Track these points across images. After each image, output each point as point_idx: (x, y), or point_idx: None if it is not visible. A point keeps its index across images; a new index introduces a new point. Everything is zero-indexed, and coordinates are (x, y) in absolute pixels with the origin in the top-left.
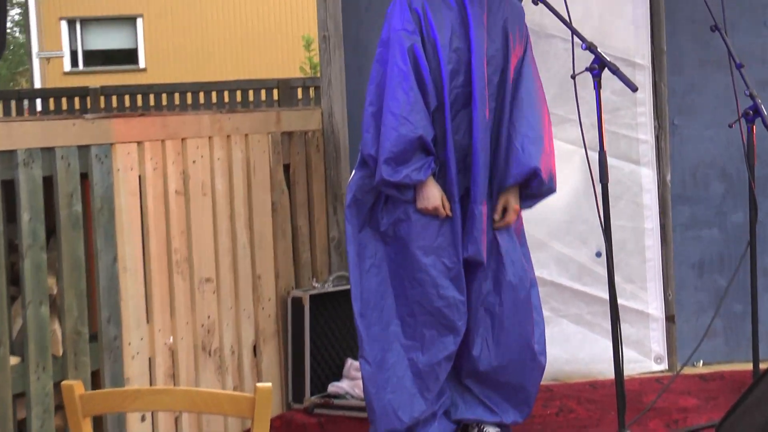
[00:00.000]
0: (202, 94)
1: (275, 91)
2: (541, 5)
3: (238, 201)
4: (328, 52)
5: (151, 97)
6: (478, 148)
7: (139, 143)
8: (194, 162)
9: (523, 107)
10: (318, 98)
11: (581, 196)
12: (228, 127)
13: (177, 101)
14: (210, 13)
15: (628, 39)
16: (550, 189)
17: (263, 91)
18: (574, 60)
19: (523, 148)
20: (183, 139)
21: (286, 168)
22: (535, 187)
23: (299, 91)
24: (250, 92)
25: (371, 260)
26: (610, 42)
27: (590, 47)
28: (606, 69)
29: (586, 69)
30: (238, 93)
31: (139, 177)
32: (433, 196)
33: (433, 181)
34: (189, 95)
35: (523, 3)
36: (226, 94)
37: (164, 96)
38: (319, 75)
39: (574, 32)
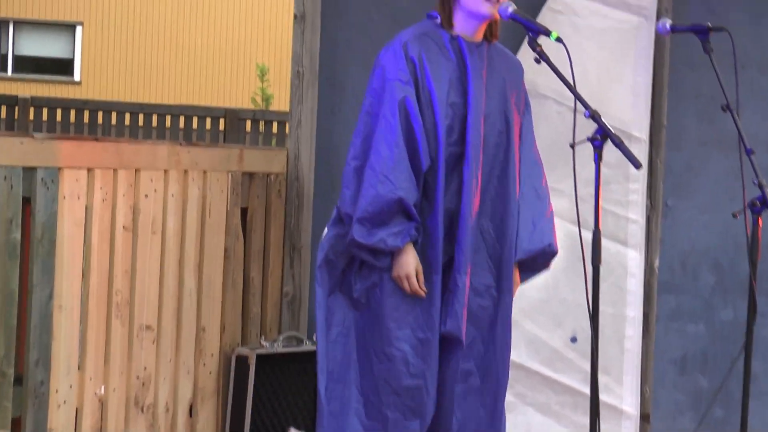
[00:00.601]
0: (141, 116)
1: (221, 121)
2: (541, 63)
3: (189, 243)
4: (301, 89)
5: (86, 113)
6: (465, 212)
7: (89, 170)
8: (146, 196)
9: (533, 177)
10: (268, 133)
11: (560, 274)
12: (186, 160)
13: (113, 121)
14: (157, 29)
15: (626, 108)
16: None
17: (208, 120)
18: (575, 128)
19: (535, 222)
20: (137, 170)
21: (244, 212)
22: (542, 263)
23: (248, 123)
24: (194, 119)
25: (338, 328)
26: (607, 110)
27: (594, 115)
28: (609, 141)
29: (588, 139)
30: (181, 119)
31: (86, 207)
32: (406, 263)
33: (412, 248)
34: (127, 116)
35: (518, 57)
36: (168, 118)
37: (100, 114)
38: (271, 108)
39: (578, 97)
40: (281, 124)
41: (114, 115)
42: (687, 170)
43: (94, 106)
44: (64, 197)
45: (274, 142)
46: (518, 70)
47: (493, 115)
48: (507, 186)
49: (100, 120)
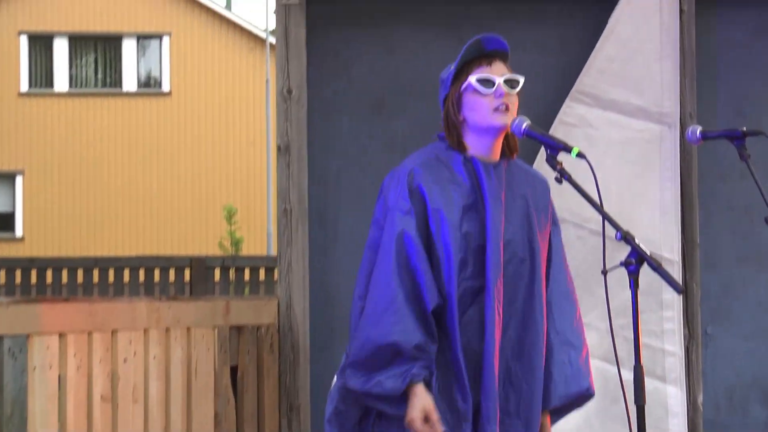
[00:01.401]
0: (96, 272)
1: (187, 271)
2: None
3: (174, 410)
4: (289, 229)
5: (33, 272)
6: (489, 353)
7: (61, 335)
8: (125, 360)
9: (565, 309)
10: (240, 282)
11: (593, 417)
12: (167, 317)
13: (64, 279)
14: (107, 174)
15: (654, 227)
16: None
17: (172, 271)
18: (605, 252)
19: (572, 363)
20: (113, 332)
21: (234, 370)
22: (578, 405)
23: (216, 272)
24: (156, 271)
25: None
26: (632, 230)
27: (626, 237)
28: (645, 264)
29: (621, 264)
30: (141, 271)
31: (59, 377)
32: (411, 406)
33: (420, 390)
34: (80, 272)
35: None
36: (126, 272)
37: (49, 272)
38: (241, 253)
39: (607, 218)
40: (254, 271)
41: (65, 272)
42: (725, 293)
43: (42, 264)
44: (35, 368)
45: (247, 291)
46: (543, 188)
47: (515, 242)
48: (534, 321)
49: (49, 279)
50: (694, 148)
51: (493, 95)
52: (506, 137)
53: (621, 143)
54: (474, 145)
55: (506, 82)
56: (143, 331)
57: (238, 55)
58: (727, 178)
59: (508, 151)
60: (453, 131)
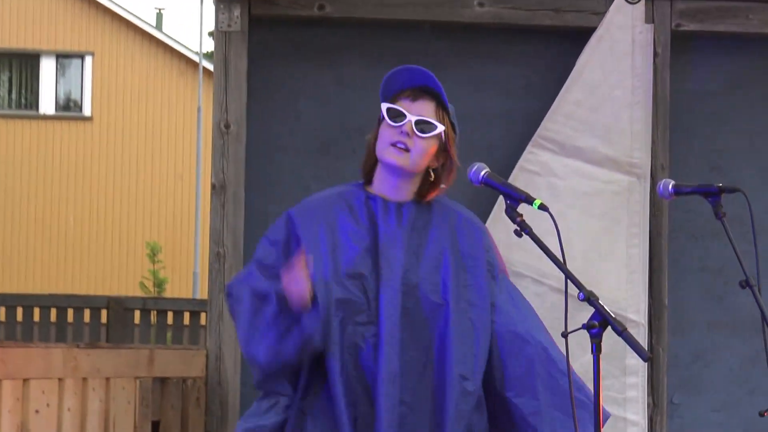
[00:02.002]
0: (2, 310)
1: (103, 312)
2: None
3: None
4: (222, 274)
5: None
6: (382, 409)
7: None
8: (37, 412)
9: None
10: (162, 328)
11: None
12: (85, 366)
13: None
14: (18, 205)
15: (619, 287)
16: None
17: (87, 312)
18: (567, 313)
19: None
20: (25, 380)
21: (155, 426)
22: None
23: (136, 314)
24: (70, 312)
25: None
26: (596, 288)
27: (590, 297)
28: (609, 327)
29: (583, 327)
30: (53, 312)
31: None
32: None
33: None
34: None
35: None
36: (36, 311)
37: None
38: (165, 294)
39: (569, 276)
40: (178, 315)
41: None
42: (695, 360)
43: None
44: None
45: (169, 336)
46: (477, 235)
47: (423, 287)
48: (443, 371)
49: None
50: (665, 203)
51: (396, 130)
52: (425, 181)
53: (587, 195)
54: (379, 182)
55: (417, 123)
56: (58, 380)
57: (168, 79)
58: (699, 236)
59: (423, 194)
60: (367, 162)
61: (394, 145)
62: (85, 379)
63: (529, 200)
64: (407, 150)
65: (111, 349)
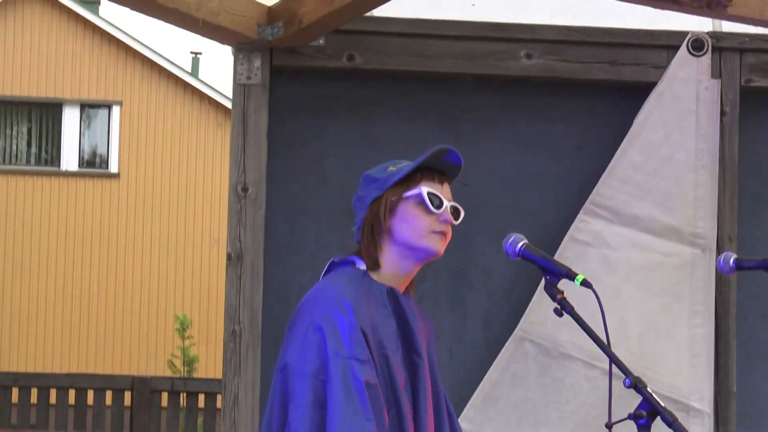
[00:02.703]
0: (15, 391)
1: (127, 395)
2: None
3: None
4: (238, 355)
5: None
6: None
7: None
8: None
9: None
10: (192, 412)
11: None
12: None
13: None
14: (36, 267)
15: (681, 371)
16: None
17: (109, 393)
18: (611, 401)
19: None
20: None
21: None
22: None
23: (164, 396)
24: (90, 393)
25: None
26: (654, 373)
27: (636, 384)
28: (659, 417)
29: (629, 417)
30: (71, 393)
31: None
32: None
33: None
34: None
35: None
36: (53, 393)
37: None
38: (196, 374)
39: (614, 360)
40: (210, 397)
41: None
42: None
43: None
44: None
45: (200, 421)
46: (432, 327)
47: (432, 378)
48: None
49: None
50: (734, 279)
51: (437, 218)
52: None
53: (644, 268)
54: (391, 269)
55: (452, 209)
56: None
57: (204, 131)
58: None
59: (410, 287)
60: (372, 242)
61: (434, 232)
62: None
63: (571, 276)
64: (445, 238)
65: None
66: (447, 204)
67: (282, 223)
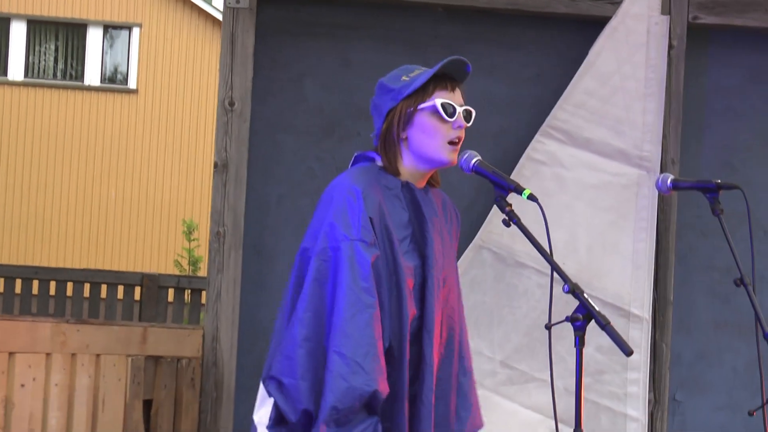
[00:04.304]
0: (36, 283)
1: (137, 290)
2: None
3: None
4: (221, 254)
5: None
6: (427, 397)
7: None
8: (23, 386)
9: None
10: (196, 306)
11: None
12: (74, 342)
13: (1, 288)
14: (59, 174)
15: (624, 281)
16: None
17: (121, 288)
18: (552, 305)
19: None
20: (11, 354)
21: (147, 405)
22: None
23: (170, 292)
24: (103, 287)
25: None
26: (600, 282)
27: (574, 290)
28: (593, 321)
29: (567, 319)
30: (86, 286)
31: None
32: None
33: None
34: (18, 282)
35: (491, 216)
36: (69, 286)
37: None
38: (200, 273)
39: (555, 268)
40: None
41: (2, 282)
42: (699, 358)
43: None
44: None
45: (202, 315)
46: (455, 220)
47: (446, 273)
48: (461, 357)
49: None
50: (675, 199)
51: (451, 125)
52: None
53: (594, 187)
54: (409, 170)
55: (465, 112)
56: (45, 355)
57: (215, 54)
58: (708, 233)
59: (434, 181)
60: (390, 149)
61: (451, 142)
62: (73, 355)
63: (519, 190)
64: (459, 142)
65: (101, 326)
66: (459, 110)
67: (264, 136)
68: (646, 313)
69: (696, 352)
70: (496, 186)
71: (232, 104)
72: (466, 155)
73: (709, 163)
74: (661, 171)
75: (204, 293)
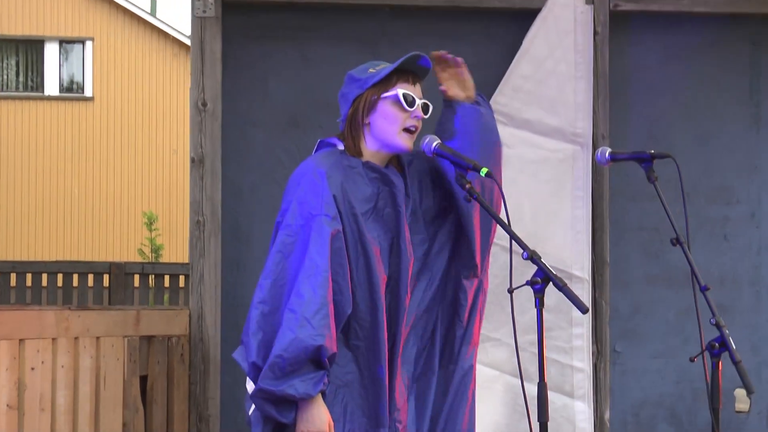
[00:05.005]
0: (13, 276)
1: (106, 277)
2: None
3: (82, 419)
4: (202, 241)
5: None
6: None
7: None
8: (33, 369)
9: None
10: (160, 290)
11: (503, 431)
12: (76, 327)
13: None
14: (26, 176)
15: (565, 245)
16: None
17: (91, 276)
18: (512, 270)
19: None
20: (21, 340)
21: (143, 380)
22: None
23: (136, 278)
24: (75, 276)
25: None
26: (544, 248)
27: (533, 257)
28: (551, 284)
29: (527, 283)
30: (59, 277)
31: None
32: (319, 419)
33: (322, 401)
34: None
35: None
36: (44, 277)
37: None
38: (161, 260)
39: (513, 237)
40: (174, 278)
41: None
42: (635, 311)
43: None
44: None
45: (166, 297)
46: (424, 164)
47: (415, 241)
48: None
49: None
50: (606, 169)
51: (410, 114)
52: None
53: (534, 162)
54: (371, 152)
55: (423, 105)
56: (51, 340)
57: (162, 61)
58: (637, 198)
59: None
60: (355, 132)
61: (406, 129)
62: (76, 339)
63: (477, 168)
64: (416, 131)
65: (100, 311)
66: (419, 102)
67: (235, 131)
68: (586, 273)
69: (632, 306)
70: (456, 166)
71: (204, 104)
72: (427, 140)
73: (635, 136)
74: (593, 145)
75: (167, 277)
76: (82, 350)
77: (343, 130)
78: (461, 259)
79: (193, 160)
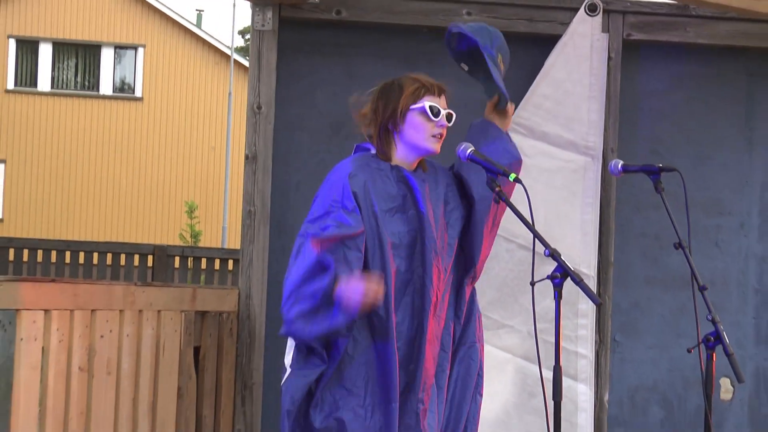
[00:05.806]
0: (68, 254)
1: (150, 258)
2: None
3: (143, 383)
4: (252, 228)
5: (11, 251)
6: (423, 340)
7: (46, 311)
8: (102, 337)
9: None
10: (197, 272)
11: (512, 411)
12: (141, 301)
13: (39, 258)
14: (81, 166)
15: (575, 246)
16: None
17: (136, 257)
18: (534, 266)
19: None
20: (93, 311)
21: (196, 350)
22: None
23: (176, 260)
24: (122, 256)
25: None
26: (556, 247)
27: (554, 254)
28: (569, 279)
29: (548, 277)
30: (109, 256)
31: (42, 349)
32: (356, 285)
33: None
34: (54, 253)
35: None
36: (95, 256)
37: (26, 252)
38: (200, 245)
39: (537, 236)
40: (210, 261)
41: (40, 252)
42: (633, 307)
43: (19, 244)
44: (21, 339)
45: (202, 278)
46: (445, 176)
47: (440, 233)
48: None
49: (25, 258)
50: (614, 180)
51: (435, 123)
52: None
53: (550, 171)
54: (400, 158)
55: (447, 115)
56: (119, 311)
57: (204, 68)
58: (641, 208)
59: (422, 166)
60: (384, 139)
61: (434, 136)
62: (140, 311)
63: (506, 174)
64: (442, 137)
65: (161, 288)
66: (443, 112)
67: (285, 134)
68: (593, 271)
69: (631, 303)
70: (487, 171)
71: (259, 108)
72: (463, 146)
73: (640, 152)
74: (603, 158)
75: (204, 260)
76: (145, 322)
77: (371, 137)
78: (463, 266)
79: (247, 157)
